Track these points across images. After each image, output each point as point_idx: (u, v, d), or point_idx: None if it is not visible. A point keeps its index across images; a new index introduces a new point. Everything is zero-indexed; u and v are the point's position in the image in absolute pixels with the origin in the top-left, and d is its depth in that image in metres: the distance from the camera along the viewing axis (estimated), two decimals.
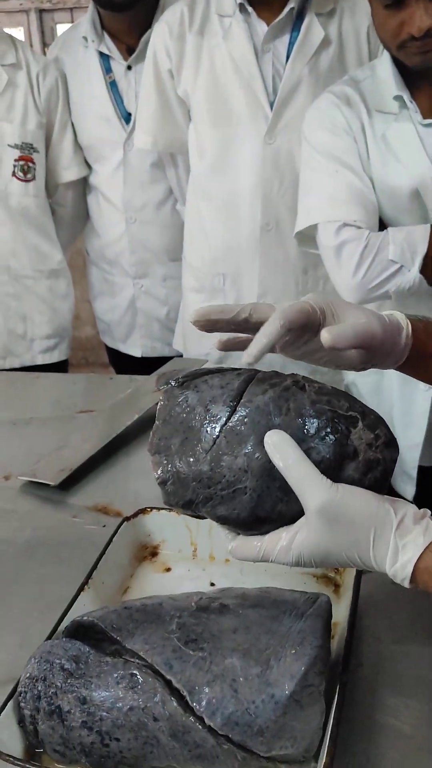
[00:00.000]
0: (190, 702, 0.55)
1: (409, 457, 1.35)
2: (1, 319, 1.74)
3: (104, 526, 0.97)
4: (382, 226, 1.24)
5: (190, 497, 0.58)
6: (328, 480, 0.54)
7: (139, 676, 0.56)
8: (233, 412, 0.58)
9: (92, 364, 4.14)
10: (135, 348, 1.91)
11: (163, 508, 0.83)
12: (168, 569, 0.81)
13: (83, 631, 0.62)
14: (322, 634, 0.58)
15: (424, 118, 1.16)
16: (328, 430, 0.56)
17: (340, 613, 0.70)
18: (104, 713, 0.55)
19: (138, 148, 1.64)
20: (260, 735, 0.53)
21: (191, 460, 0.58)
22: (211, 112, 1.49)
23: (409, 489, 1.35)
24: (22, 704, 0.58)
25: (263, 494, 0.55)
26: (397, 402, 1.33)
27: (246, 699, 0.54)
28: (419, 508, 1.48)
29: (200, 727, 0.54)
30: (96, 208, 1.81)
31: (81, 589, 0.71)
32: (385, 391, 1.36)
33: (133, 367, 1.93)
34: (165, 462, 0.59)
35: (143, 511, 0.83)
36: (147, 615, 0.61)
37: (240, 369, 0.62)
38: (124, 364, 1.97)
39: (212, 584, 0.78)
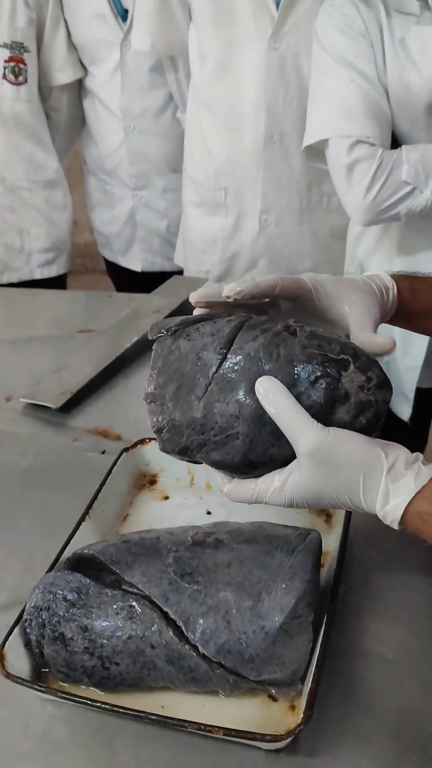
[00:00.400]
0: (185, 632, 0.58)
1: (408, 379, 1.36)
2: None
3: (104, 452, 1.00)
4: (394, 141, 1.19)
5: (185, 444, 0.59)
6: (319, 424, 0.55)
7: (137, 608, 0.59)
8: (224, 359, 0.58)
9: (91, 272, 4.09)
10: (135, 262, 1.89)
11: None
12: (166, 497, 0.83)
13: (84, 563, 0.65)
14: (311, 569, 0.60)
15: None
16: (319, 374, 0.56)
17: (331, 543, 0.73)
18: (104, 641, 0.59)
19: (135, 49, 1.55)
20: (251, 662, 0.57)
21: (185, 407, 0.58)
22: (212, 10, 1.40)
23: (405, 410, 1.37)
24: (28, 630, 0.61)
25: (255, 439, 0.56)
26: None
27: (238, 630, 0.57)
28: (414, 431, 1.52)
29: (194, 654, 0.57)
30: (93, 114, 1.73)
31: (82, 519, 0.73)
32: None
33: (132, 281, 1.92)
34: (160, 410, 0.60)
35: (142, 441, 0.85)
36: (145, 549, 0.63)
37: (232, 316, 0.61)
38: (123, 278, 1.95)
39: (209, 512, 0.80)
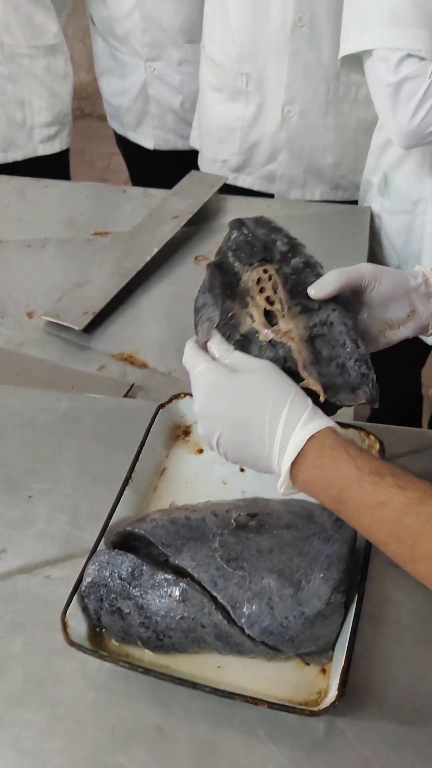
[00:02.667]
0: (232, 615, 0.65)
1: None
2: None
3: (132, 387, 1.02)
4: None
5: None
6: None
7: (188, 592, 0.65)
8: None
9: (89, 116, 3.84)
10: (147, 139, 1.79)
11: None
12: (200, 450, 0.87)
13: (132, 537, 0.71)
14: (346, 559, 0.66)
15: None
16: None
17: None
18: (159, 618, 0.66)
19: None
20: (290, 642, 0.64)
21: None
22: None
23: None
24: (86, 601, 0.68)
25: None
26: (427, 244, 1.31)
27: (280, 615, 0.64)
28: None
29: (240, 634, 0.65)
30: None
31: (125, 483, 0.78)
32: (416, 231, 1.32)
33: (144, 159, 1.83)
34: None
35: (177, 396, 0.87)
36: (192, 531, 0.68)
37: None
38: (134, 154, 1.86)
39: (242, 470, 0.85)
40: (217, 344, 0.66)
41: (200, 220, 1.40)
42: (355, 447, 0.59)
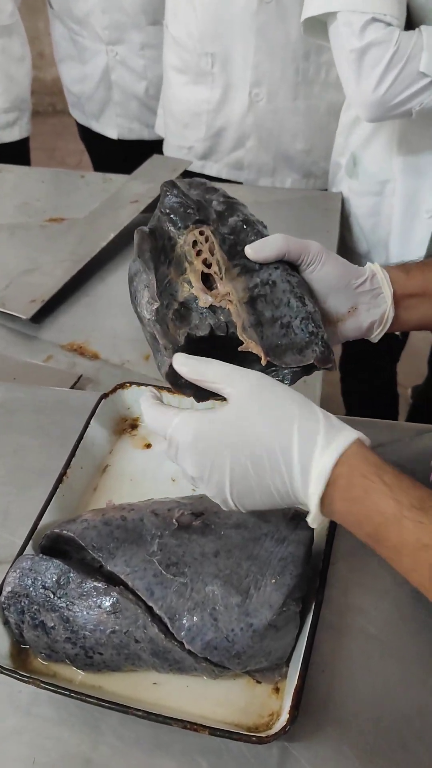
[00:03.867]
0: (170, 628, 0.56)
1: None
2: None
3: (79, 378, 0.94)
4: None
5: None
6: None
7: (120, 602, 0.57)
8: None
9: (60, 113, 3.75)
10: (110, 128, 1.71)
11: (142, 384, 0.79)
12: (148, 445, 0.79)
13: (62, 541, 0.62)
14: (302, 562, 0.58)
15: None
16: None
17: None
18: (87, 633, 0.57)
19: None
20: (237, 658, 0.56)
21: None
22: None
23: None
24: (6, 613, 0.59)
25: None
26: (395, 228, 1.24)
27: (225, 627, 0.56)
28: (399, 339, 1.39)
29: (180, 649, 0.56)
30: None
31: (59, 481, 0.69)
32: (383, 214, 1.25)
33: (108, 150, 1.75)
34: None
35: (121, 386, 0.79)
36: (128, 533, 0.60)
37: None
38: (97, 145, 1.78)
39: None
40: (185, 360, 0.55)
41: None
42: (390, 470, 0.49)
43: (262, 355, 0.57)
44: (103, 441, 0.77)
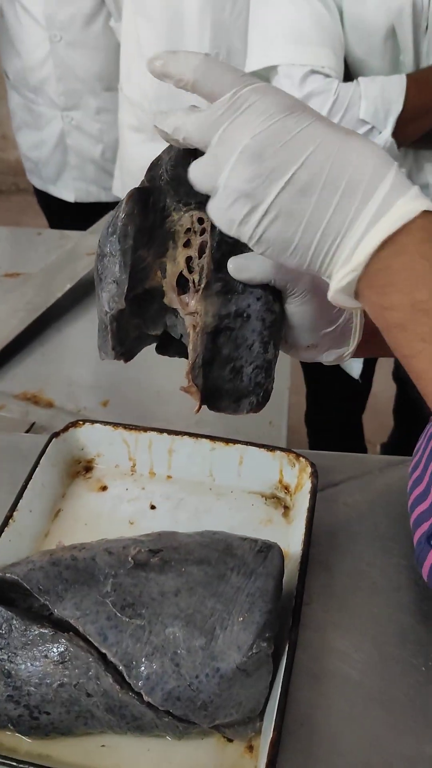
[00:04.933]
0: (126, 677, 0.50)
1: None
2: None
3: (30, 427, 0.89)
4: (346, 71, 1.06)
5: None
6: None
7: (70, 649, 0.50)
8: None
9: (24, 192, 3.81)
10: (67, 192, 1.71)
11: (97, 421, 0.75)
12: (104, 488, 0.73)
13: (6, 586, 0.56)
14: (272, 597, 0.53)
15: None
16: None
17: (290, 542, 0.65)
18: (32, 688, 0.50)
19: None
20: (203, 709, 0.50)
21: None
22: None
23: (356, 366, 1.30)
24: None
25: None
26: None
27: (188, 674, 0.49)
28: (364, 387, 1.40)
29: (138, 702, 0.50)
30: (14, 20, 1.52)
31: (4, 524, 0.63)
32: None
33: (66, 213, 1.75)
34: None
35: (75, 424, 0.74)
36: (78, 574, 0.54)
37: None
38: (55, 210, 1.78)
39: (152, 507, 0.71)
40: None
41: None
42: None
43: (198, 404, 0.53)
44: (54, 483, 0.72)
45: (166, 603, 0.52)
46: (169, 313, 0.54)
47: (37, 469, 0.69)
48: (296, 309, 0.53)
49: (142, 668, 0.50)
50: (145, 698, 0.49)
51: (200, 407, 0.52)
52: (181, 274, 0.53)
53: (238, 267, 0.51)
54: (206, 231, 0.52)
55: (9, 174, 3.83)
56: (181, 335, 0.54)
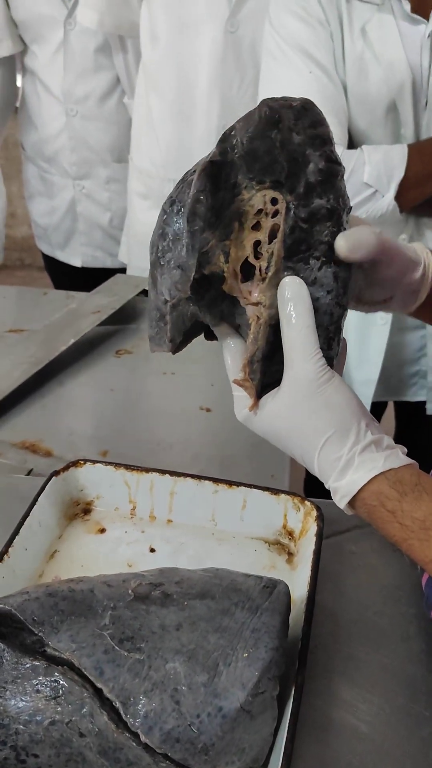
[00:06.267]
0: (123, 715, 0.47)
1: (364, 393, 1.28)
2: None
3: (30, 471, 0.87)
4: (350, 139, 1.10)
5: None
6: (323, 358, 0.49)
7: (63, 684, 0.47)
8: None
9: (28, 267, 3.91)
10: (74, 257, 1.75)
11: (98, 461, 0.73)
12: (102, 530, 0.71)
13: (1, 620, 0.53)
14: (278, 634, 0.50)
15: (412, 11, 1.01)
16: None
17: (294, 587, 0.63)
18: (20, 726, 0.47)
19: (82, 26, 1.43)
20: (204, 753, 0.46)
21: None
22: None
23: None
24: None
25: None
26: (352, 336, 1.25)
27: (189, 713, 0.46)
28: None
29: (134, 744, 0.46)
30: (33, 96, 1.59)
31: None
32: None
33: (72, 278, 1.78)
34: None
35: (76, 463, 0.73)
36: (75, 605, 0.52)
37: None
38: (62, 274, 1.81)
39: (152, 550, 0.69)
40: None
41: (126, 319, 1.32)
42: (395, 496, 0.47)
43: (252, 400, 0.50)
44: (51, 523, 0.70)
45: (167, 637, 0.50)
46: (226, 301, 0.50)
47: (35, 507, 0.68)
48: (376, 275, 0.54)
49: (140, 705, 0.47)
50: (143, 739, 0.46)
51: (255, 403, 0.50)
52: (246, 260, 0.49)
53: (352, 244, 0.49)
54: (279, 213, 0.48)
55: (15, 250, 3.94)
56: (239, 325, 0.51)
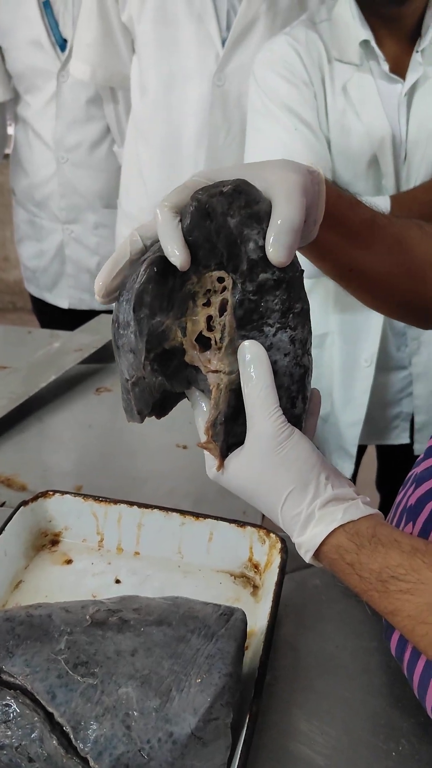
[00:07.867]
0: (73, 740, 0.46)
1: (350, 434, 1.29)
2: None
3: (3, 504, 0.87)
4: None
5: None
6: (283, 416, 0.50)
7: (15, 708, 0.47)
8: None
9: (20, 310, 3.95)
10: (62, 299, 1.78)
11: (67, 492, 0.74)
12: (69, 561, 0.72)
13: None
14: (233, 660, 0.50)
15: (391, 71, 1.07)
16: None
17: (257, 620, 0.63)
18: None
19: (74, 78, 1.49)
20: None
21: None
22: (157, 44, 1.34)
23: (347, 467, 1.30)
24: None
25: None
26: (337, 378, 1.27)
27: (140, 738, 0.46)
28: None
29: None
30: (25, 144, 1.65)
31: None
32: (325, 366, 1.28)
33: (59, 319, 1.81)
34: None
35: (44, 494, 0.73)
36: (32, 630, 0.52)
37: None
38: (49, 315, 1.84)
39: (117, 581, 0.69)
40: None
41: (107, 358, 1.33)
42: (353, 549, 0.48)
43: (218, 462, 0.52)
44: (18, 553, 0.70)
45: (122, 662, 0.50)
46: (190, 368, 0.53)
47: (1, 536, 0.68)
48: None
49: (91, 730, 0.46)
50: (92, 764, 0.46)
51: (221, 464, 0.52)
52: (201, 333, 0.52)
53: (281, 255, 0.49)
54: (227, 289, 0.51)
55: (7, 293, 3.99)
56: (203, 390, 0.54)
